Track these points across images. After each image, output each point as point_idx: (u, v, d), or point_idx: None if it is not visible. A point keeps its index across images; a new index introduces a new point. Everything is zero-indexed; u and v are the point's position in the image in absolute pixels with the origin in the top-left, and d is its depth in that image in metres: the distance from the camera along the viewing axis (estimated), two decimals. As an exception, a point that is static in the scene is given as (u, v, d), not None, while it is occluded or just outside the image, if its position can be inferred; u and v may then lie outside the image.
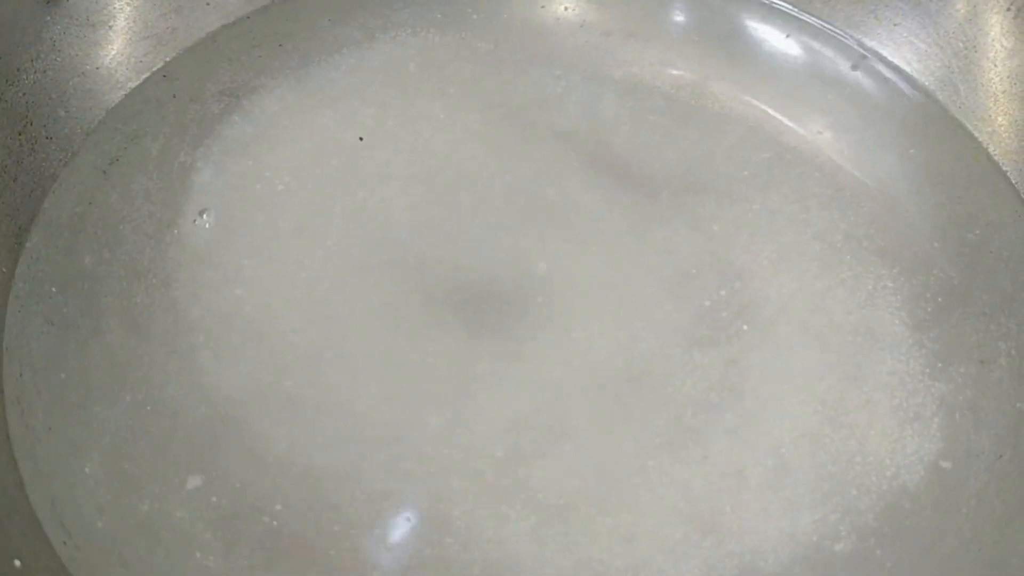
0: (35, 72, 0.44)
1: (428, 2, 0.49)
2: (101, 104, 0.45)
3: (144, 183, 0.43)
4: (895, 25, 0.49)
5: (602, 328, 0.41)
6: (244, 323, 0.40)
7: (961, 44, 0.48)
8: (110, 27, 0.46)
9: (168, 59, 0.47)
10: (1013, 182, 0.46)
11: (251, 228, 0.42)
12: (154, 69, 0.47)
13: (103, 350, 0.39)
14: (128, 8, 0.47)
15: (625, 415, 0.39)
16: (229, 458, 0.37)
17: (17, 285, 0.41)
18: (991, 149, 0.46)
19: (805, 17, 0.50)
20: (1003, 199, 0.45)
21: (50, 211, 0.43)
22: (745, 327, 0.41)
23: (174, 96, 0.46)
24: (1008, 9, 0.47)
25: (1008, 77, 0.47)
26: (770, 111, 0.47)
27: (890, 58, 0.49)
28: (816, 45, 0.49)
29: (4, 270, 0.41)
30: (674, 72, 0.48)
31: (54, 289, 0.41)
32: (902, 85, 0.48)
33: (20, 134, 0.43)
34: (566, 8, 0.50)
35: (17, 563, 0.34)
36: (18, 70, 0.43)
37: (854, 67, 0.49)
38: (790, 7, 0.50)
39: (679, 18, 0.50)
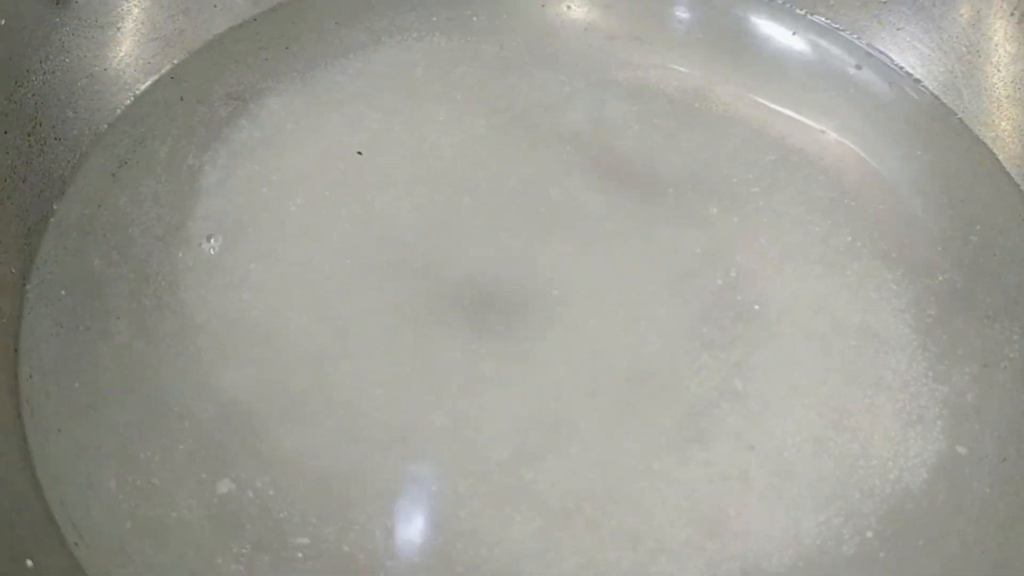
0: (44, 73, 0.44)
1: (433, 5, 0.49)
2: (109, 105, 0.46)
3: (153, 186, 0.43)
4: (898, 30, 0.49)
5: (607, 330, 0.41)
6: (251, 325, 0.40)
7: (965, 49, 0.48)
8: (118, 29, 0.47)
9: (176, 61, 0.47)
10: (1018, 184, 0.46)
11: (258, 231, 0.42)
12: (162, 71, 0.47)
13: (112, 352, 0.40)
14: (136, 10, 0.47)
15: (630, 416, 0.39)
16: (237, 459, 0.37)
17: (27, 287, 0.41)
18: (995, 153, 0.46)
19: (811, 19, 0.50)
20: (1007, 202, 0.45)
21: (60, 213, 0.43)
22: (749, 329, 0.41)
23: (181, 99, 0.46)
24: (1012, 14, 0.47)
25: (1012, 82, 0.47)
26: (775, 114, 0.47)
27: (895, 61, 0.49)
28: (823, 43, 0.49)
29: (15, 271, 0.41)
30: (679, 75, 0.48)
31: (63, 291, 0.41)
32: (907, 87, 0.48)
33: (29, 135, 0.43)
34: (571, 10, 0.50)
35: (29, 563, 0.34)
36: (27, 71, 0.43)
37: (858, 67, 0.49)
38: (796, 10, 0.50)
39: (683, 21, 0.50)
